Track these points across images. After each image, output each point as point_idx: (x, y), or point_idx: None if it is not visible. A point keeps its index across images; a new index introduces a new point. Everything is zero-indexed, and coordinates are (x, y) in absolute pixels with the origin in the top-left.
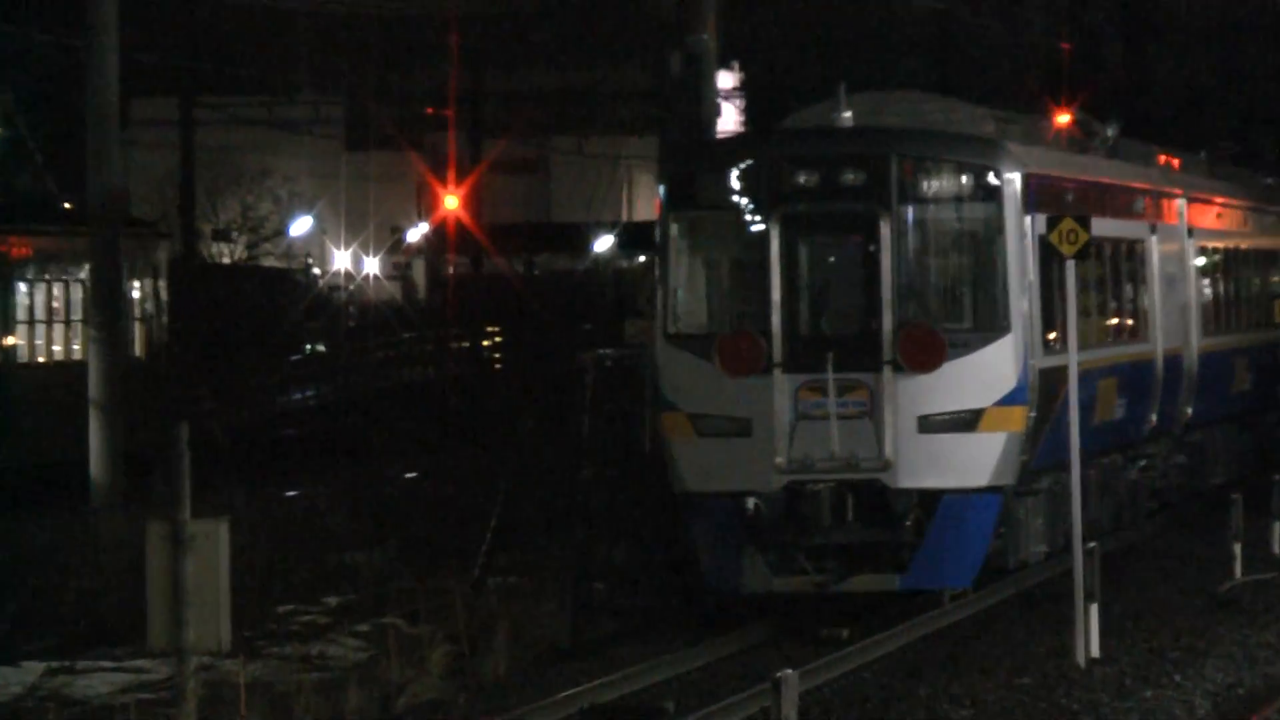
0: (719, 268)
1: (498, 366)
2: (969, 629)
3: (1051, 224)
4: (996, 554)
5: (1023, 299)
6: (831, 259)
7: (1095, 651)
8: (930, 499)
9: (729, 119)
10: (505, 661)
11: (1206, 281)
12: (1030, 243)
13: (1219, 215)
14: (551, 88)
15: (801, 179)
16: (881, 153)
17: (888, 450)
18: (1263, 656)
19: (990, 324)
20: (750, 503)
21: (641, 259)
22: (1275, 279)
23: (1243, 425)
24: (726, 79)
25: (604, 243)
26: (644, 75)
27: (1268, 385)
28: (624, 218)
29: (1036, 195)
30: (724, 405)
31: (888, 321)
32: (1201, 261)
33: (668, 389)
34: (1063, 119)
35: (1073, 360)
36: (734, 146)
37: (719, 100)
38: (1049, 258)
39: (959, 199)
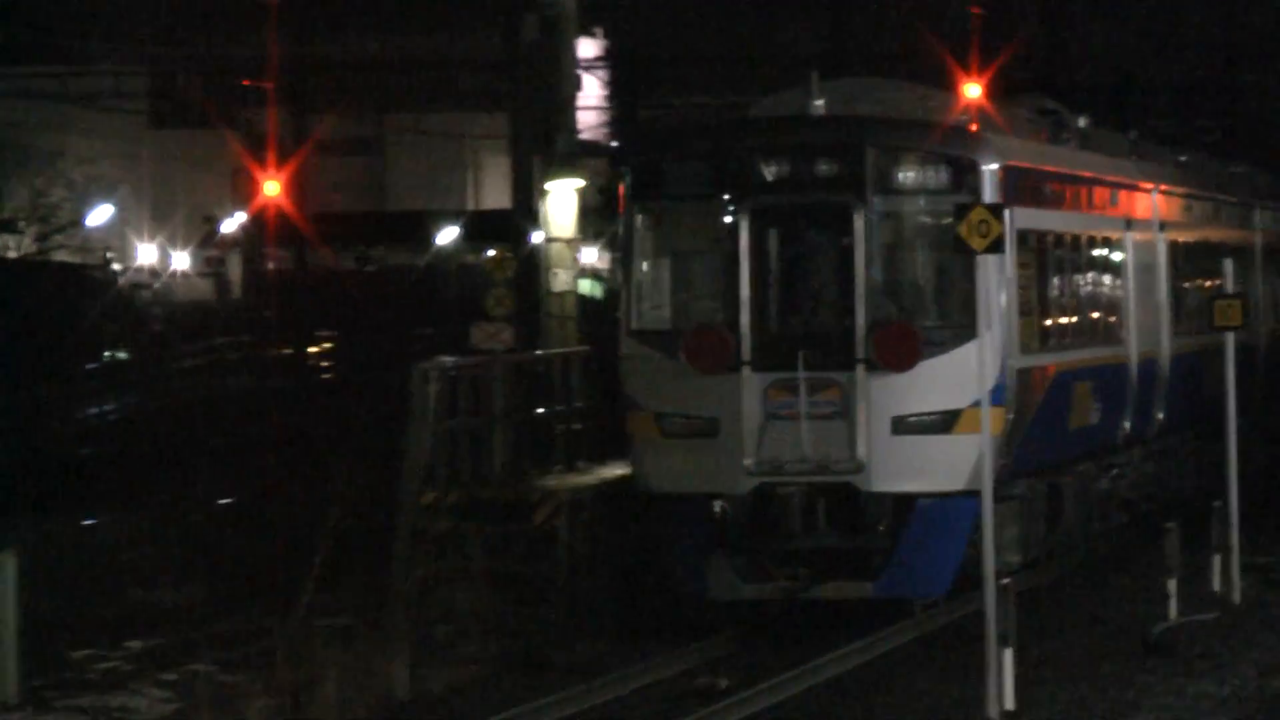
0: (686, 261)
1: (326, 377)
2: (866, 678)
3: (960, 213)
4: (971, 562)
5: (1001, 295)
6: (803, 252)
7: (1010, 703)
8: (905, 503)
9: (590, 92)
10: (334, 716)
11: (1177, 279)
12: (1009, 237)
13: (1190, 208)
14: (387, 57)
15: (773, 169)
16: (856, 142)
17: (861, 452)
18: (1200, 709)
19: (968, 321)
20: (717, 506)
21: (491, 253)
22: (1243, 278)
23: (1214, 433)
24: (588, 47)
25: (448, 234)
26: (493, 43)
27: (1240, 388)
28: (470, 205)
29: (1015, 188)
30: (691, 404)
31: (861, 318)
32: (1173, 258)
33: (632, 387)
34: (973, 91)
35: (989, 358)
36: (702, 134)
37: (579, 71)
38: (1026, 253)
39: (936, 191)
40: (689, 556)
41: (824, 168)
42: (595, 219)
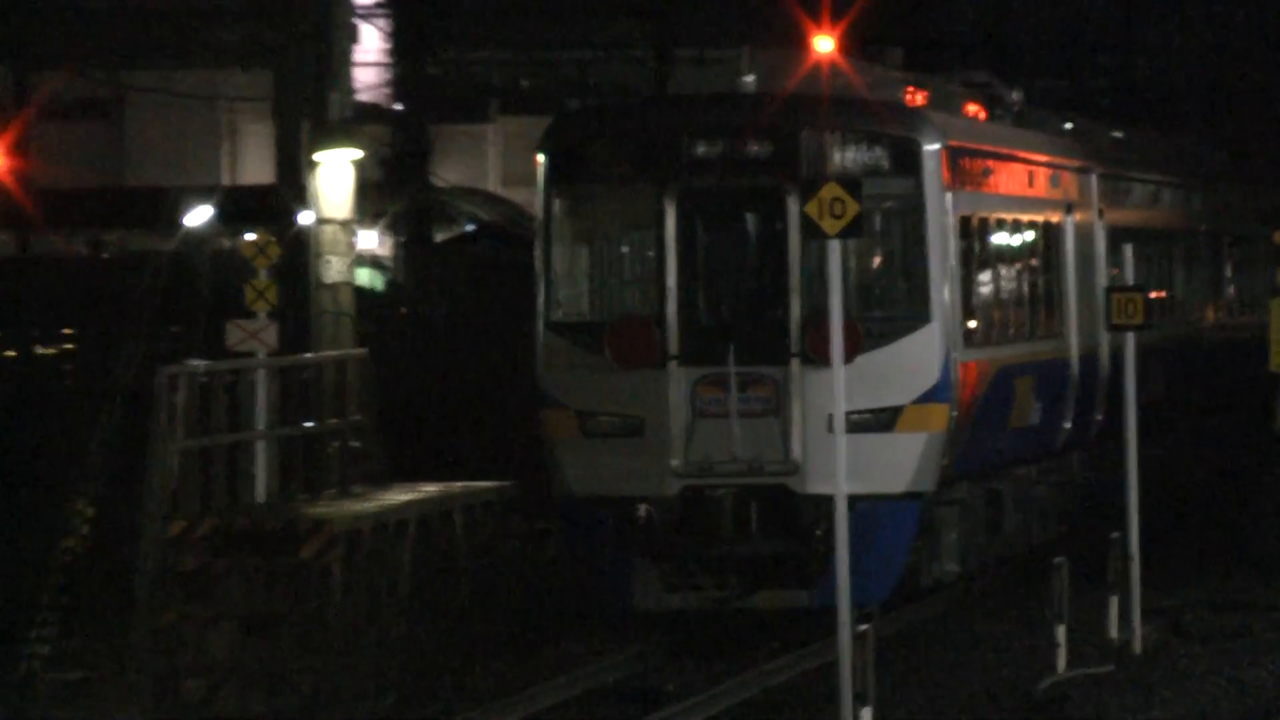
0: (608, 249)
1: (66, 384)
2: None
3: (807, 191)
4: (911, 570)
5: (945, 285)
6: (734, 239)
7: None
8: None
9: (369, 46)
10: None
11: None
12: (951, 222)
13: (1131, 191)
14: (127, 4)
15: (701, 150)
16: (790, 122)
17: (795, 452)
18: None
19: (910, 312)
20: (642, 510)
21: (251, 237)
22: (1187, 266)
23: (1151, 437)
24: None
25: (199, 215)
26: None
27: (1181, 390)
28: (226, 180)
29: (958, 170)
30: (613, 401)
31: (796, 309)
32: (1114, 245)
33: (550, 383)
34: (825, 45)
35: (837, 361)
36: (625, 113)
37: (355, 20)
38: (970, 239)
39: (876, 173)
40: (611, 564)
41: (756, 149)
42: (376, 196)
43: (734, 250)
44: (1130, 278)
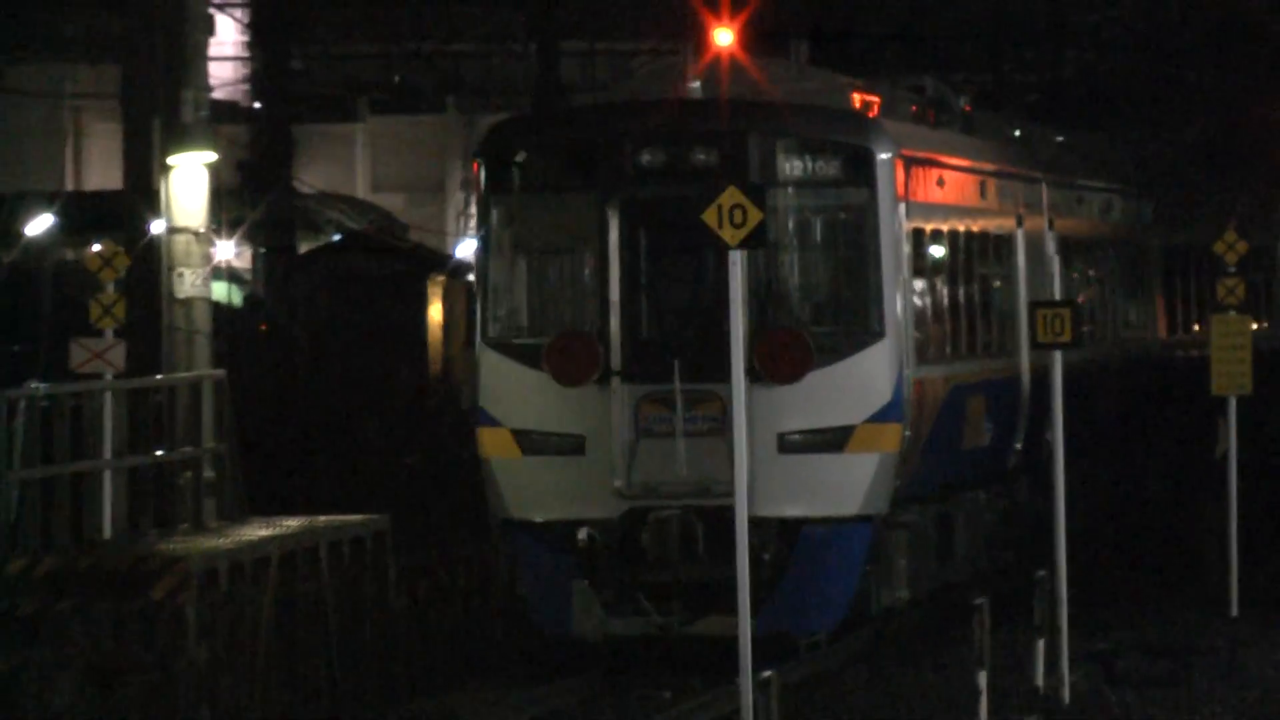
0: (549, 261)
1: None
2: None
3: (705, 196)
4: (861, 596)
5: (898, 299)
6: (680, 251)
7: None
8: (792, 529)
9: (226, 38)
10: None
11: (1069, 281)
12: (905, 234)
13: (1081, 200)
14: None
15: (646, 158)
16: (738, 129)
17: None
18: None
19: (862, 328)
20: (583, 533)
21: (97, 248)
22: (1138, 278)
23: (1104, 461)
24: None
25: (40, 223)
26: None
27: (1135, 411)
28: (70, 185)
29: (911, 180)
30: (554, 420)
31: (743, 324)
32: (1064, 257)
33: (488, 401)
34: (724, 38)
35: (738, 378)
36: (567, 120)
37: (211, 10)
38: (922, 251)
39: (827, 183)
40: (550, 589)
41: (703, 156)
42: (234, 203)
43: (680, 262)
44: (1057, 291)
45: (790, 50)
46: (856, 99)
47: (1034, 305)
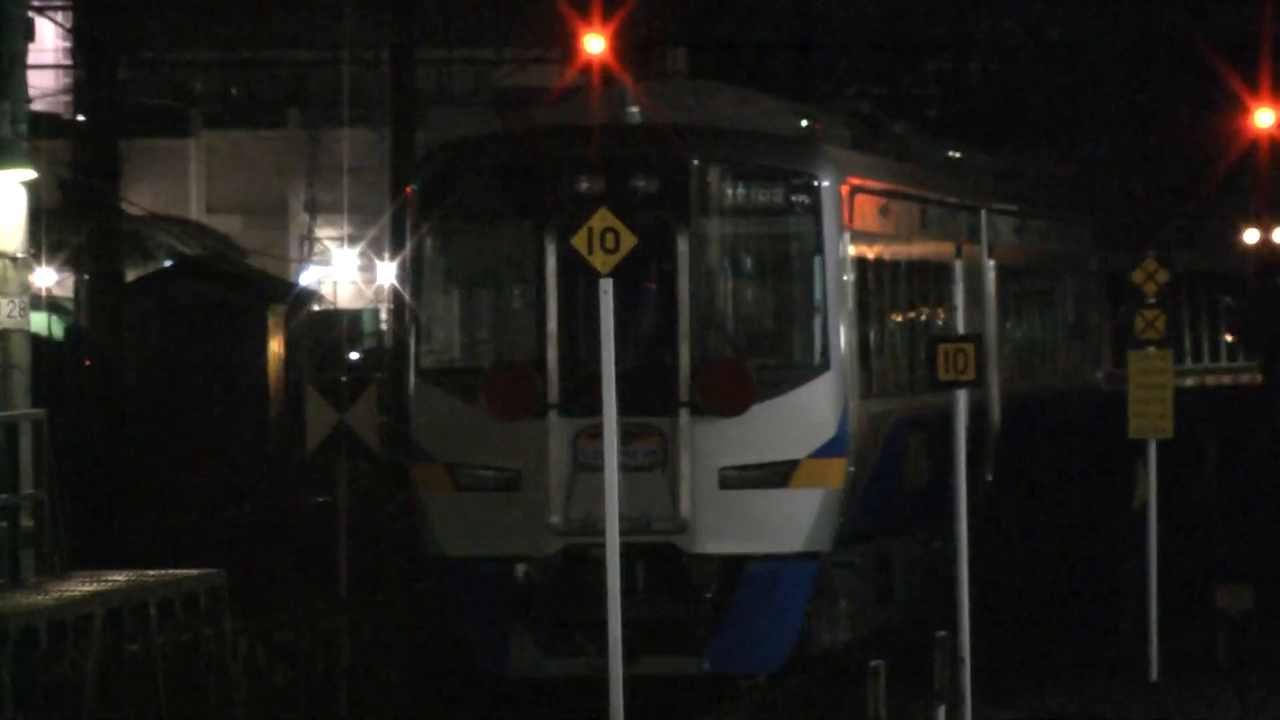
0: (484, 290)
1: None
2: None
3: (564, 222)
4: (804, 637)
5: (844, 331)
6: (620, 281)
7: None
8: (734, 567)
9: (47, 43)
10: None
11: (1008, 313)
12: (850, 264)
13: (1020, 227)
14: None
15: (584, 185)
16: (679, 155)
17: (684, 509)
18: None
19: (806, 360)
20: (520, 570)
21: None
22: (1077, 306)
23: (1045, 499)
24: None
25: None
26: None
27: (1078, 445)
28: None
29: (857, 209)
30: (489, 454)
31: (685, 356)
32: (1003, 287)
33: (420, 434)
34: (595, 46)
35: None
36: (502, 144)
37: (30, 15)
38: (866, 282)
39: (771, 211)
40: (486, 628)
41: (643, 183)
42: (55, 225)
43: (620, 292)
44: (961, 325)
45: (667, 59)
46: (800, 124)
47: (934, 340)
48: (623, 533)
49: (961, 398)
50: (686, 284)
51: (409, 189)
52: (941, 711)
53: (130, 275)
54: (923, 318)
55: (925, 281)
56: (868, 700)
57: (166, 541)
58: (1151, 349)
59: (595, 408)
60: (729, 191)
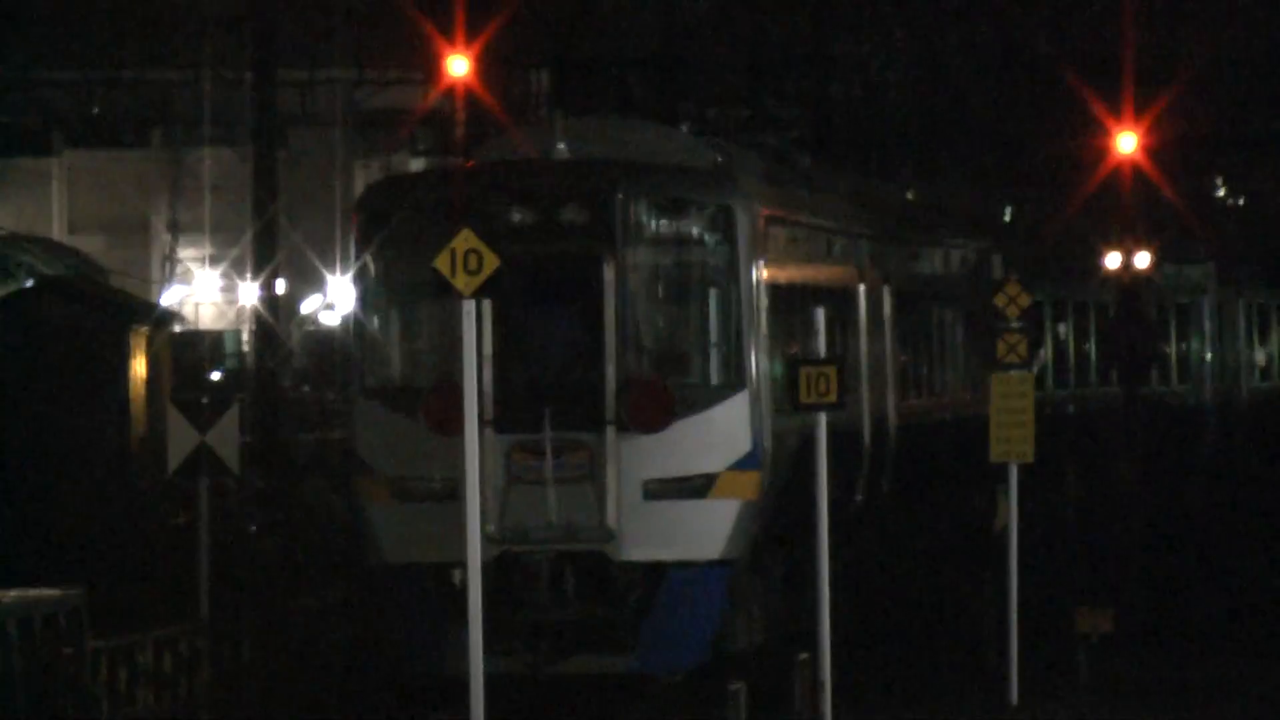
0: (423, 313)
1: None
2: None
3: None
4: (720, 638)
5: (757, 352)
6: (550, 305)
7: None
8: (657, 572)
9: None
10: None
11: (905, 337)
12: (764, 289)
13: (918, 255)
14: None
15: (516, 216)
16: (605, 188)
17: (610, 518)
18: None
19: (723, 379)
20: (456, 575)
21: None
22: (965, 333)
23: (933, 516)
24: None
25: None
26: None
27: (956, 466)
28: None
29: (770, 237)
30: (428, 467)
31: (611, 375)
32: (899, 312)
33: (364, 449)
34: (459, 67)
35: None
36: (440, 179)
37: None
38: (778, 306)
39: (690, 240)
40: (424, 631)
41: (571, 215)
42: None
43: (550, 316)
44: (822, 348)
45: (531, 81)
46: (715, 158)
47: (797, 363)
48: (554, 541)
49: (823, 420)
50: (613, 308)
51: (353, 220)
52: None
53: None
54: (829, 340)
55: (831, 305)
56: None
57: (26, 561)
58: (1013, 372)
59: (528, 424)
60: (651, 222)
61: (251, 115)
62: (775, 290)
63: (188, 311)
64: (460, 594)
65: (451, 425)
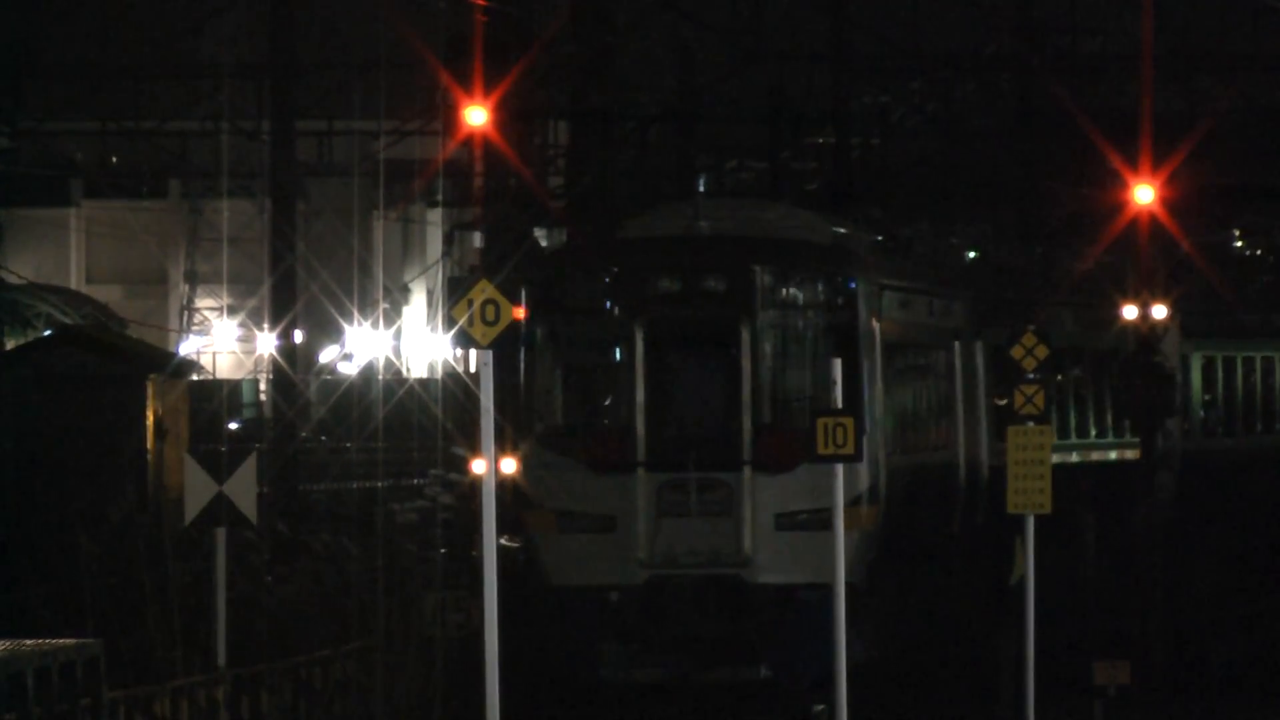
0: (585, 369)
1: None
2: None
3: (453, 289)
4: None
5: (873, 402)
6: (694, 362)
7: None
8: (787, 594)
9: None
10: None
11: (992, 386)
12: (878, 348)
13: (1007, 315)
14: None
15: (666, 286)
16: (744, 262)
17: (746, 546)
18: None
19: None
20: (613, 595)
21: None
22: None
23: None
24: None
25: None
26: None
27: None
28: None
29: (882, 303)
30: (589, 502)
31: (747, 423)
32: (990, 365)
33: (531, 488)
34: (478, 118)
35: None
36: (600, 253)
37: None
38: (890, 362)
39: (816, 306)
40: (583, 644)
41: (713, 284)
42: None
43: (694, 371)
44: (839, 400)
45: (549, 130)
46: (830, 232)
47: (816, 414)
48: (697, 565)
49: (839, 472)
50: (749, 365)
51: (521, 285)
52: None
53: (9, 344)
54: (929, 390)
55: (931, 360)
56: None
57: (44, 610)
58: (1030, 424)
59: (675, 464)
60: (785, 290)
61: (270, 167)
62: (887, 348)
63: (205, 361)
64: (614, 612)
65: (609, 465)
